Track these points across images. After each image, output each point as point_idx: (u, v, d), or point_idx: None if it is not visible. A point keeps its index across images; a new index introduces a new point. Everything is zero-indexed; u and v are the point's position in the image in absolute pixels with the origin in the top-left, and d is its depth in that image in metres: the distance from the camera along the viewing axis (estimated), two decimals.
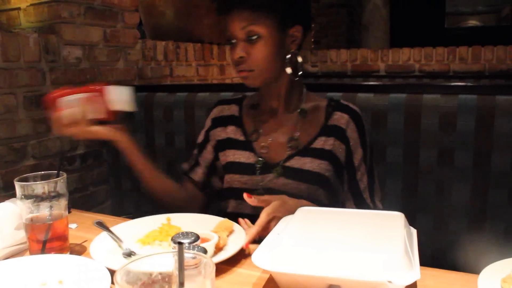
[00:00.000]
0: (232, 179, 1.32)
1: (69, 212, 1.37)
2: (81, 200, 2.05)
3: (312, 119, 1.30)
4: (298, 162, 1.25)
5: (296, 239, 0.84)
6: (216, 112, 1.44)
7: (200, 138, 1.45)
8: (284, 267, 0.76)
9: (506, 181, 1.34)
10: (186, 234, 0.74)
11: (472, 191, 1.38)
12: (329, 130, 1.27)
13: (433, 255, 1.43)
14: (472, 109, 1.36)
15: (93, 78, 2.08)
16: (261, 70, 1.22)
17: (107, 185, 2.16)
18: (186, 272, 0.56)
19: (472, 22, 6.93)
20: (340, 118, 1.28)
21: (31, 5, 1.99)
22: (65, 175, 1.05)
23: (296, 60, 1.28)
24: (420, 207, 1.44)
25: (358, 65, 3.75)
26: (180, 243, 0.46)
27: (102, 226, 1.05)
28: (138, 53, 2.34)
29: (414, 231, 0.93)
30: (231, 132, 1.37)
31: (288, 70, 1.25)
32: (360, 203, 1.27)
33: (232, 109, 1.41)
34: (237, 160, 1.32)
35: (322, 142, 1.26)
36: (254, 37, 1.19)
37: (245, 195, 1.07)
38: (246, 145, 1.33)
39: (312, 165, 1.24)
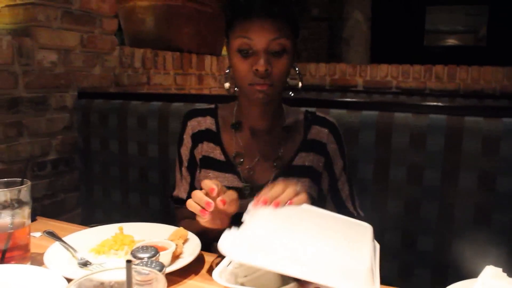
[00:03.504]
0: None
1: (35, 219, 1.35)
2: (50, 207, 2.01)
3: (293, 135, 1.27)
4: None
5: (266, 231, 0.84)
6: (193, 126, 1.32)
7: (185, 159, 1.32)
8: (249, 261, 0.76)
9: (473, 200, 1.36)
10: (145, 248, 0.73)
11: (440, 209, 1.40)
12: (308, 145, 1.26)
13: (400, 272, 1.45)
14: (441, 129, 1.38)
15: (68, 83, 2.05)
16: (279, 85, 1.16)
17: (78, 192, 2.12)
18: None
19: (451, 41, 7.08)
20: (319, 132, 1.27)
21: (6, 6, 1.95)
22: (29, 183, 1.03)
23: (299, 74, 1.26)
24: (388, 224, 1.45)
25: (336, 80, 3.79)
26: (128, 261, 0.46)
27: (53, 236, 1.04)
28: (115, 59, 2.32)
29: (377, 246, 0.94)
30: (209, 149, 1.28)
31: (300, 83, 1.24)
32: (343, 211, 1.26)
33: (208, 123, 1.31)
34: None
35: (303, 159, 1.24)
36: (281, 51, 1.13)
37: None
38: (228, 168, 1.25)
39: None
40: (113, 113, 1.95)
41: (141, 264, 0.67)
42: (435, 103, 1.44)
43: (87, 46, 2.14)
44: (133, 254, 0.72)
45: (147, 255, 0.71)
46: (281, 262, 0.76)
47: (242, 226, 0.85)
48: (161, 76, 2.68)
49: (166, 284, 0.50)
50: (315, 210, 0.99)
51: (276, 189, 0.96)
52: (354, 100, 1.57)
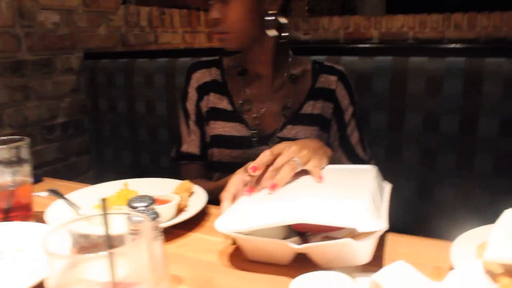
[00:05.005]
0: (222, 154, 1.24)
1: (42, 180, 1.34)
2: (62, 169, 2.00)
3: (301, 84, 1.25)
4: (290, 132, 1.21)
5: (257, 198, 0.81)
6: (198, 78, 1.30)
7: (192, 113, 1.30)
8: (244, 227, 0.73)
9: (493, 148, 1.30)
10: (142, 198, 0.70)
11: (458, 158, 1.34)
12: (316, 93, 1.24)
13: (416, 222, 1.40)
14: (460, 72, 1.31)
15: (73, 45, 2.01)
16: (237, 32, 1.15)
17: (89, 155, 2.11)
18: (133, 237, 0.52)
19: None
20: (327, 81, 1.24)
21: None
22: (28, 139, 1.00)
23: (279, 22, 1.20)
24: (404, 175, 1.40)
25: (351, 33, 3.66)
26: (103, 200, 0.42)
27: (56, 193, 1.02)
28: (120, 19, 2.26)
29: (387, 185, 0.89)
30: (216, 100, 1.27)
31: (271, 32, 1.17)
32: (354, 158, 1.24)
33: (213, 73, 1.30)
34: (228, 133, 1.23)
35: (311, 107, 1.22)
36: None
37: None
38: (235, 117, 1.23)
39: (305, 133, 1.20)
40: (120, 72, 1.90)
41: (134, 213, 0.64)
42: (452, 45, 1.35)
43: (90, 5, 2.08)
44: (129, 204, 0.69)
45: (143, 204, 0.68)
46: (277, 216, 0.73)
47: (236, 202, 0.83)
48: (169, 34, 2.61)
49: (153, 230, 0.46)
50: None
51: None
52: (366, 45, 1.49)
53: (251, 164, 0.87)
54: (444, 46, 1.38)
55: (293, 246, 0.70)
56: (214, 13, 1.13)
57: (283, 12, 1.21)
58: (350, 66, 1.41)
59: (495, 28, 3.28)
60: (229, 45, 1.18)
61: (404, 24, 3.50)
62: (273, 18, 1.18)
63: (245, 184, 0.90)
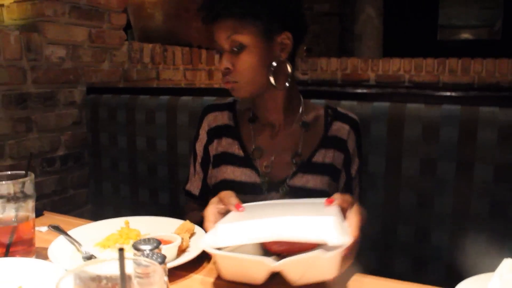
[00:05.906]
0: None
1: (42, 214, 1.34)
2: (60, 203, 2.00)
3: (313, 131, 1.24)
4: (301, 180, 1.19)
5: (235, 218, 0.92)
6: (209, 121, 1.31)
7: (199, 155, 1.32)
8: (224, 244, 0.83)
9: (489, 193, 1.32)
10: (147, 240, 0.71)
11: (454, 202, 1.36)
12: (329, 141, 1.22)
13: (414, 267, 1.41)
14: (455, 120, 1.34)
15: (76, 79, 2.05)
16: (247, 82, 1.15)
17: (87, 188, 2.11)
18: (139, 281, 0.53)
19: (465, 35, 6.95)
20: (340, 129, 1.23)
21: (15, 2, 1.95)
22: (32, 175, 1.01)
23: (286, 70, 1.18)
24: (401, 218, 1.41)
25: (348, 74, 3.74)
26: (121, 249, 0.43)
27: (58, 230, 1.03)
28: (124, 55, 2.30)
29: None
30: (227, 145, 1.26)
31: (271, 79, 1.15)
32: None
33: (225, 117, 1.29)
34: (238, 179, 1.21)
35: (323, 155, 1.21)
36: (239, 47, 1.12)
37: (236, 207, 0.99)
38: (246, 162, 1.22)
39: (315, 183, 1.18)
40: (122, 108, 1.93)
41: (142, 256, 0.65)
42: (448, 93, 1.40)
43: (96, 41, 2.13)
44: (134, 246, 0.70)
45: (149, 247, 0.69)
46: (254, 234, 0.82)
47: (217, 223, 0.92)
48: (171, 71, 2.66)
49: (163, 276, 0.47)
50: (287, 200, 1.10)
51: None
52: (365, 91, 1.53)
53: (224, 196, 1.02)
54: (440, 93, 1.41)
55: (270, 263, 0.77)
56: (225, 63, 1.14)
57: (292, 58, 1.21)
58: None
59: (488, 73, 3.37)
60: (238, 94, 1.19)
61: (400, 67, 3.58)
62: (281, 65, 1.17)
63: (219, 212, 1.00)
